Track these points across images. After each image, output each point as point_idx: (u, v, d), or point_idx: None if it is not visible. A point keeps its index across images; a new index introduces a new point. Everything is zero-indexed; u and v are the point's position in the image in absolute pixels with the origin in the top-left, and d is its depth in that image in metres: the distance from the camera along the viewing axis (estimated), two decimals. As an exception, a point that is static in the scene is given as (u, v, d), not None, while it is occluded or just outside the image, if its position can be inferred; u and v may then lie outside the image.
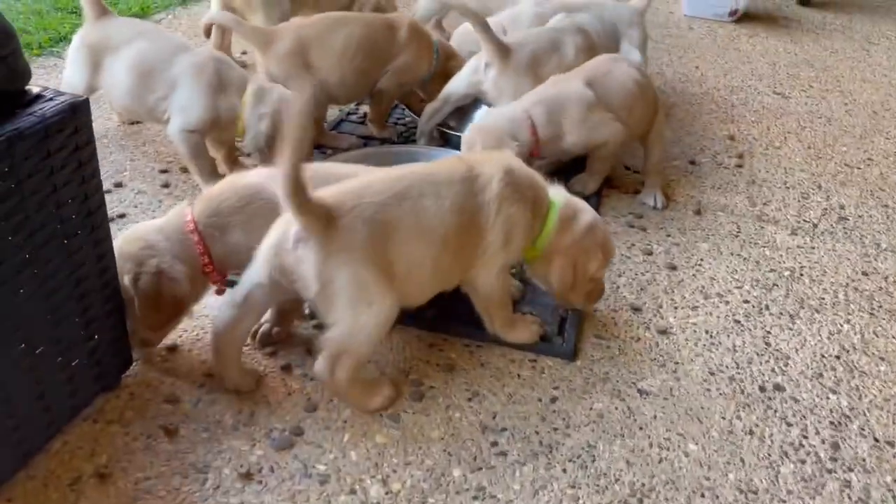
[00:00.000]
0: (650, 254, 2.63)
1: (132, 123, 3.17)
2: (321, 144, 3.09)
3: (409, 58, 3.10)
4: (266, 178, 2.01)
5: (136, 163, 2.94)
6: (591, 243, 2.07)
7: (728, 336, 2.26)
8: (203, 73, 2.61)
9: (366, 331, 1.77)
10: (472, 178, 1.93)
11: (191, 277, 1.93)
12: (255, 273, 1.81)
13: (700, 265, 2.60)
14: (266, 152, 2.65)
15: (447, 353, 2.13)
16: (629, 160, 3.21)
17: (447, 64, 3.26)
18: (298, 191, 1.64)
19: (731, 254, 2.66)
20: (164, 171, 2.89)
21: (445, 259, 1.88)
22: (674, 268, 2.56)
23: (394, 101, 3.29)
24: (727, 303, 2.41)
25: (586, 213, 2.10)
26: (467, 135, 2.68)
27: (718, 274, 2.55)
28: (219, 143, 2.76)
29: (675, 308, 2.37)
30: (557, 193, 2.11)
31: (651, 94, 2.86)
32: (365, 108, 3.39)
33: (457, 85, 3.05)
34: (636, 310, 2.35)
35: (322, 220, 1.70)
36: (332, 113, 3.43)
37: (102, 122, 3.14)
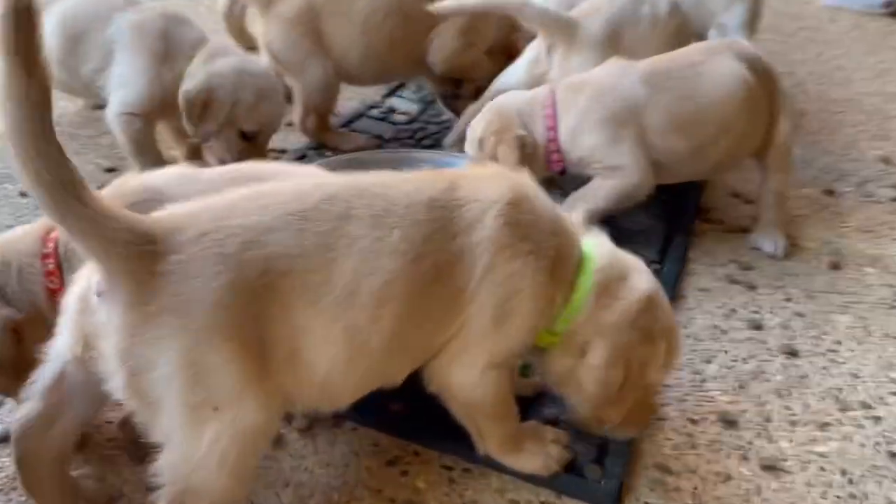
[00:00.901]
0: (759, 328, 1.76)
1: (99, 108, 2.54)
2: (321, 143, 2.36)
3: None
4: (174, 177, 1.35)
5: (82, 157, 2.30)
6: (649, 327, 1.24)
7: (879, 482, 1.38)
8: (144, 35, 1.96)
9: (213, 457, 1.02)
10: (451, 205, 1.15)
11: (30, 320, 1.27)
12: (62, 344, 1.09)
13: (835, 352, 1.71)
14: (194, 127, 1.98)
15: (413, 481, 1.35)
16: (739, 185, 2.33)
17: (509, 37, 2.48)
18: (60, 187, 0.92)
19: (886, 335, 1.76)
20: (110, 170, 2.23)
21: (382, 337, 1.11)
22: (794, 353, 1.69)
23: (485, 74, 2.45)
24: (878, 420, 1.52)
25: (641, 274, 1.28)
26: (475, 120, 1.92)
27: (864, 368, 1.66)
28: (176, 132, 2.08)
29: (793, 424, 1.50)
30: (595, 243, 1.29)
31: (766, 96, 1.96)
32: (391, 102, 2.65)
33: (510, 79, 2.26)
34: (729, 423, 1.49)
35: (134, 257, 0.97)
36: (352, 105, 2.70)
37: (63, 104, 2.52)
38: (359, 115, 2.61)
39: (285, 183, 1.14)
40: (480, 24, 2.40)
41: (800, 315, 1.81)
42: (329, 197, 1.10)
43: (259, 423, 1.04)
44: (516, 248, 1.15)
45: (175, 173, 1.38)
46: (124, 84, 1.97)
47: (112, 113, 2.00)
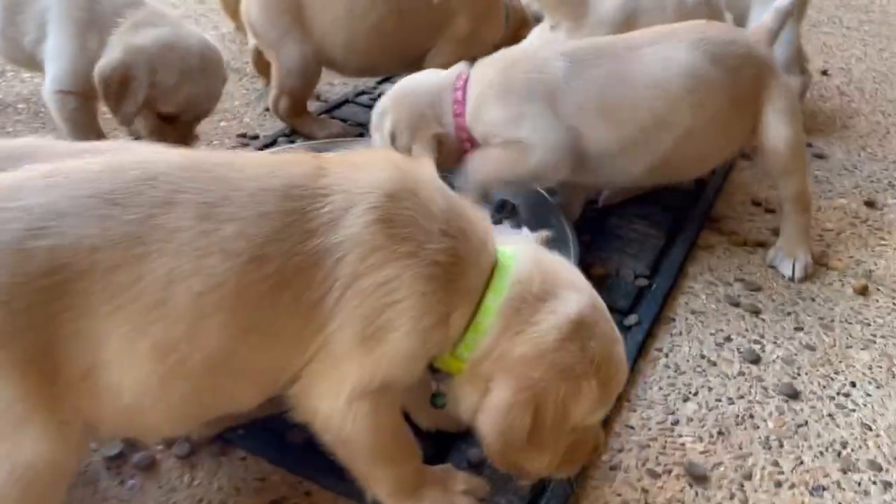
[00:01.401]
0: (756, 361, 1.48)
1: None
2: (294, 129, 2.16)
3: (470, 21, 2.11)
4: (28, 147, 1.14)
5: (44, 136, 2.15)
6: (572, 362, 0.99)
7: (880, 569, 1.10)
8: (69, 2, 1.77)
9: None
10: (312, 195, 0.93)
11: None
12: None
13: (847, 396, 1.42)
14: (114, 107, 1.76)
15: (295, 526, 1.13)
16: (763, 191, 2.03)
17: (518, 33, 2.24)
18: None
19: (915, 379, 1.46)
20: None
21: (205, 355, 0.89)
22: (794, 395, 1.41)
23: None
24: (888, 486, 1.24)
25: (571, 291, 1.03)
26: (381, 105, 1.68)
27: (880, 419, 1.37)
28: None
29: (778, 485, 1.23)
30: (518, 249, 1.05)
31: (741, 93, 1.63)
32: (385, 89, 2.43)
33: None
34: (698, 479, 1.23)
35: None
36: (344, 90, 2.50)
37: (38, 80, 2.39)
38: (344, 101, 2.40)
39: (97, 158, 0.93)
40: (484, 28, 2.17)
41: (809, 348, 1.52)
42: (150, 177, 0.88)
43: (46, 457, 0.84)
44: (389, 251, 0.92)
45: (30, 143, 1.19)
46: (54, 58, 1.81)
47: (46, 91, 1.84)
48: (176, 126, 1.82)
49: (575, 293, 1.02)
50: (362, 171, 0.97)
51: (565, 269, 1.07)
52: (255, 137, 2.17)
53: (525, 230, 1.54)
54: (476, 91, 1.61)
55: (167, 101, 1.77)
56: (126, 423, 0.92)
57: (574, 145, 1.56)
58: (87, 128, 1.85)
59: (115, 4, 1.77)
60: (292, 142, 2.10)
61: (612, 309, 1.10)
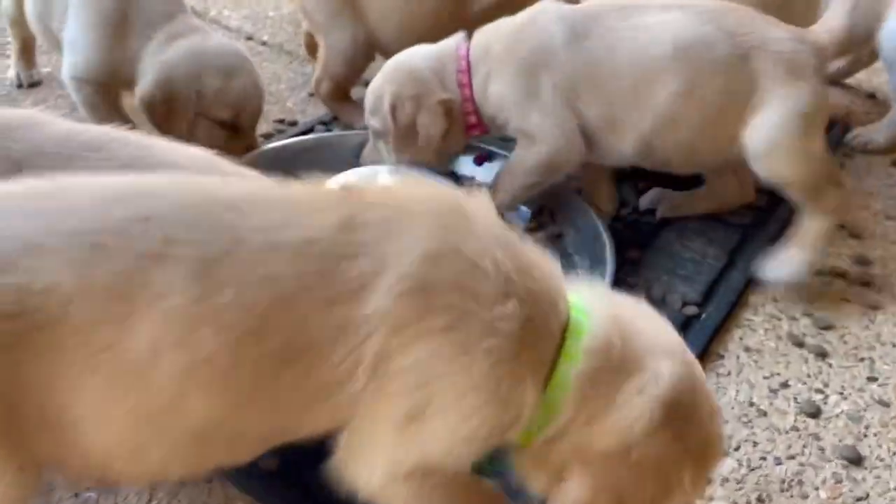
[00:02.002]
0: (815, 414, 1.27)
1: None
2: (335, 116, 2.04)
3: None
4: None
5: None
6: (667, 451, 0.82)
7: None
8: (101, 1, 1.69)
9: None
10: (338, 253, 0.78)
11: None
12: None
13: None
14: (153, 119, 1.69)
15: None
16: (850, 210, 1.79)
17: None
18: None
19: None
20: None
21: (191, 425, 0.79)
22: (856, 460, 1.20)
23: None
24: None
25: (660, 358, 0.85)
26: (374, 84, 1.58)
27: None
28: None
29: (824, 572, 1.03)
30: (591, 298, 0.89)
31: (741, 76, 1.45)
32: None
33: None
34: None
35: None
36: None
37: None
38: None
39: (92, 179, 0.82)
40: None
41: (882, 404, 1.30)
42: (144, 217, 0.76)
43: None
44: (424, 326, 0.77)
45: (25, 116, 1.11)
46: (72, 45, 1.73)
47: (64, 75, 1.77)
48: (239, 135, 1.73)
49: (666, 360, 0.84)
50: (399, 222, 0.81)
51: (651, 324, 0.90)
52: (294, 124, 2.06)
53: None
54: (481, 65, 1.50)
55: (220, 104, 1.68)
56: (96, 473, 0.82)
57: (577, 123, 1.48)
58: (107, 113, 1.77)
59: (153, 14, 1.70)
60: (329, 129, 1.98)
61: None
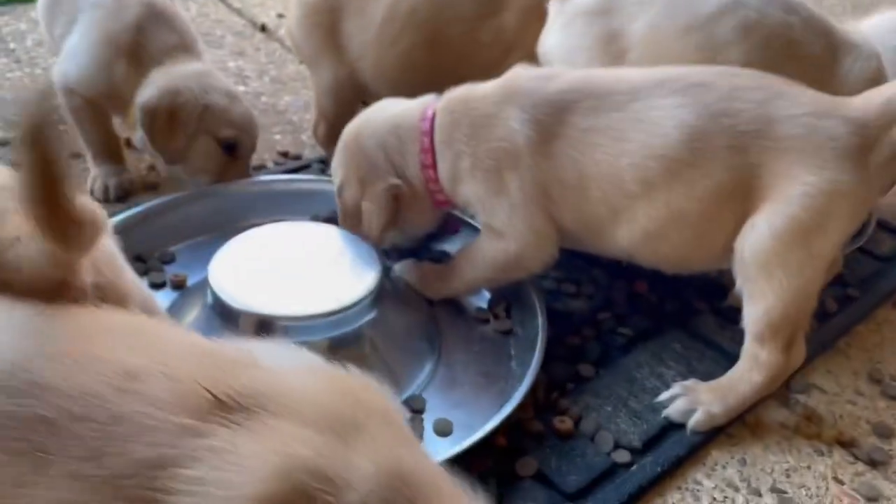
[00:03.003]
0: None
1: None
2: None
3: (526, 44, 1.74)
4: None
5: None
6: None
7: None
8: (112, 18, 1.65)
9: None
10: (163, 459, 0.63)
11: None
12: None
13: None
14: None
15: None
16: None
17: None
18: None
19: None
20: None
21: None
22: None
23: None
24: None
25: None
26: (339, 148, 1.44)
27: None
28: (127, 124, 1.78)
29: None
30: None
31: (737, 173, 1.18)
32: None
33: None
34: None
35: None
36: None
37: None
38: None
39: None
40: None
41: None
42: None
43: None
44: None
45: None
46: (72, 57, 1.69)
47: (55, 78, 1.73)
48: (236, 159, 1.69)
49: None
50: (259, 436, 0.64)
51: None
52: (298, 158, 1.96)
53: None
54: (445, 150, 1.32)
55: (226, 121, 1.64)
56: None
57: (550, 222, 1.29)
58: (87, 123, 1.74)
59: (164, 45, 1.66)
60: (323, 171, 1.85)
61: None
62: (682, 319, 1.47)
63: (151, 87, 1.61)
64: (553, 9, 1.49)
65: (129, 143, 1.90)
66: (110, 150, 1.77)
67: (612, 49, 1.37)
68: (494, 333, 1.40)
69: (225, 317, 1.24)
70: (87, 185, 1.75)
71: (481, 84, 1.35)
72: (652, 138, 1.19)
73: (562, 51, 1.43)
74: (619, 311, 1.47)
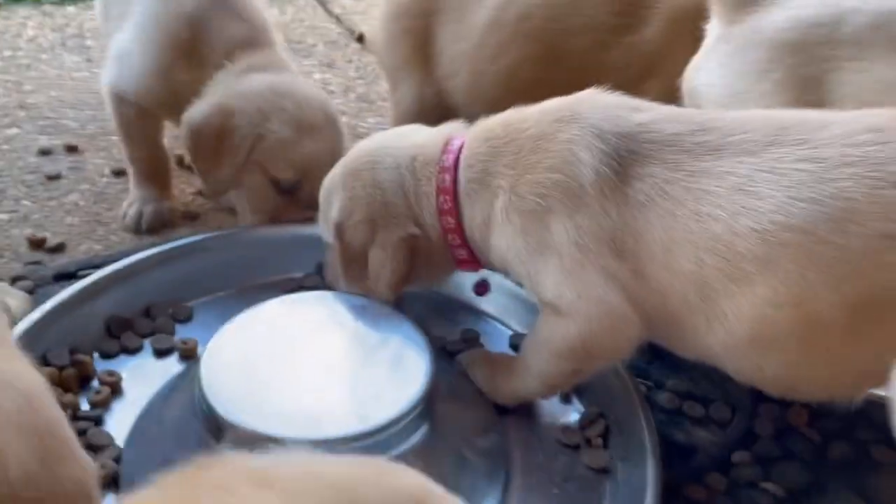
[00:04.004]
0: None
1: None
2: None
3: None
4: None
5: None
6: None
7: None
8: (171, 15, 1.40)
9: None
10: None
11: None
12: None
13: None
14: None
15: None
16: None
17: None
18: None
19: None
20: (71, 149, 1.73)
21: None
22: None
23: None
24: None
25: None
26: (330, 179, 1.12)
27: None
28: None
29: None
30: None
31: None
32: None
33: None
34: None
35: None
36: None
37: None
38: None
39: None
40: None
41: None
42: None
43: None
44: None
45: None
46: (124, 58, 1.45)
47: (103, 82, 1.50)
48: (295, 201, 1.36)
49: None
50: None
51: None
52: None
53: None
54: (475, 191, 0.99)
55: (281, 160, 1.33)
56: None
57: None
58: (137, 136, 1.50)
59: (229, 39, 1.39)
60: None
61: None
62: (855, 473, 1.05)
63: (203, 103, 1.35)
64: (713, 32, 1.10)
65: (182, 161, 1.64)
66: (155, 172, 1.52)
67: (807, 99, 0.96)
68: (585, 470, 1.03)
69: (213, 431, 0.92)
70: (121, 210, 1.51)
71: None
72: (794, 202, 0.81)
73: (721, 91, 1.04)
74: (762, 452, 1.07)
